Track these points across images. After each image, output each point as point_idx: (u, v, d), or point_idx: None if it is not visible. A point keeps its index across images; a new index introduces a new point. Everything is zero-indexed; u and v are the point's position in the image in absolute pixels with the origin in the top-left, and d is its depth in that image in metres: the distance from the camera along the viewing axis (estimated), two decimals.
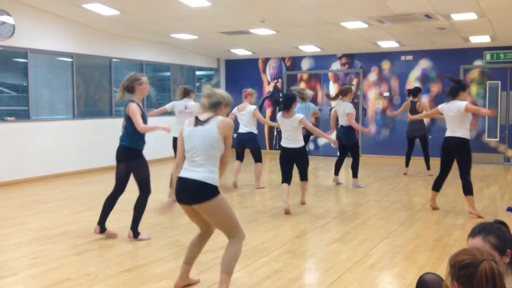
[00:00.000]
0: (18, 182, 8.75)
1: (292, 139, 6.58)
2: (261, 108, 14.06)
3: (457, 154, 6.34)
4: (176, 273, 4.07)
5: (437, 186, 6.62)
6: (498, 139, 11.64)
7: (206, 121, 3.57)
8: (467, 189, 6.28)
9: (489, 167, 10.96)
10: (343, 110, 8.17)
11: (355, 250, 4.77)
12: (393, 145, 12.28)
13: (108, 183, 9.01)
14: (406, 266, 4.33)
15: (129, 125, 5.03)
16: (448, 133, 6.39)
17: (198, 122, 3.60)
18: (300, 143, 6.59)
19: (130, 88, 5.06)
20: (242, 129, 8.19)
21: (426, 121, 9.76)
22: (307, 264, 4.46)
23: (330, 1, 7.86)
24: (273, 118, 13.92)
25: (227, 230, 3.59)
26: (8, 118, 8.80)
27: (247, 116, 8.11)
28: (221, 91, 3.77)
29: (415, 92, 9.56)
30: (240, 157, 8.41)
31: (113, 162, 11.09)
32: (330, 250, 4.79)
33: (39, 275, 4.10)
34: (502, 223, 2.39)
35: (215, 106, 3.63)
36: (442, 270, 3.58)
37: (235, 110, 8.20)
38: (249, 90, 8.30)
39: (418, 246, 4.93)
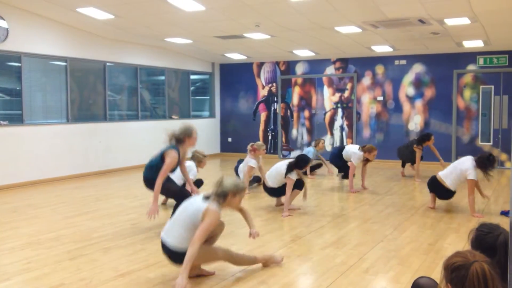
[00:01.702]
0: (11, 186, 8.71)
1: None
2: (255, 113, 14.11)
3: (443, 198, 6.98)
4: (169, 278, 4.08)
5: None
6: (491, 143, 11.69)
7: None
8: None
9: None
10: (352, 152, 8.37)
11: (349, 254, 4.77)
12: (387, 150, 12.31)
13: (102, 187, 9.04)
14: (401, 270, 4.34)
15: (159, 161, 5.27)
16: (439, 174, 6.81)
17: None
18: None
19: (179, 140, 5.33)
20: None
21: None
22: (302, 268, 4.45)
23: (325, 6, 7.89)
24: (267, 122, 13.96)
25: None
26: (2, 122, 8.76)
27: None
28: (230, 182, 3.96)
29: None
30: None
31: (105, 166, 10.97)
32: (325, 254, 4.79)
33: (33, 280, 4.08)
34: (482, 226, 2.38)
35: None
36: (437, 274, 3.58)
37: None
38: (255, 145, 8.05)
39: (413, 250, 4.94)
